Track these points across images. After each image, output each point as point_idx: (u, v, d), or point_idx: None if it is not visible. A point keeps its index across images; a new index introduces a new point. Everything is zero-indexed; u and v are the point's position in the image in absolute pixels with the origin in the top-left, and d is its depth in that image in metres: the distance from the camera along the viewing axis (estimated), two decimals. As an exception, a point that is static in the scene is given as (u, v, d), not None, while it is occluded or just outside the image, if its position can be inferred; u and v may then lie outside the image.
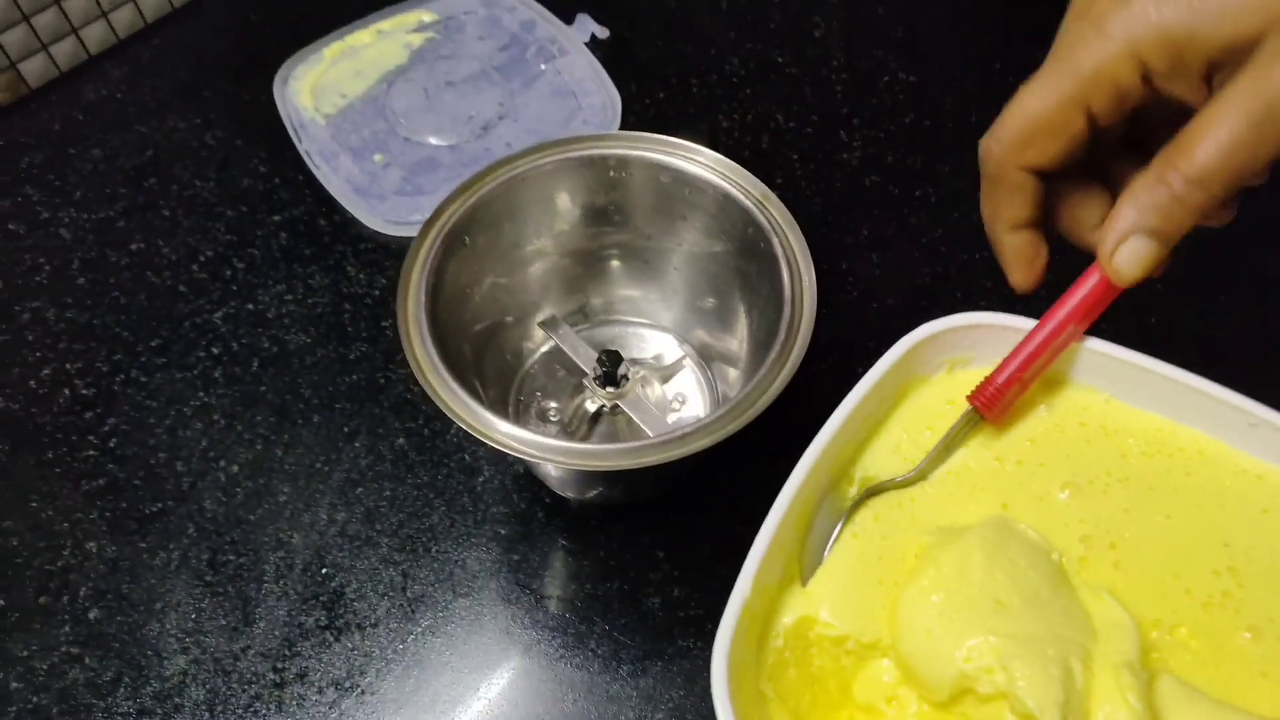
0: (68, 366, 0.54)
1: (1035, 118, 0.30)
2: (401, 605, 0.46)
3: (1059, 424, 0.36)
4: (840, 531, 0.34)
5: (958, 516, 0.34)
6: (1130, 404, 0.35)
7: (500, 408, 0.37)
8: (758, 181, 0.42)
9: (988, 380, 0.34)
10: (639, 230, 0.45)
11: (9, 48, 0.63)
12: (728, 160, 0.43)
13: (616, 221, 0.44)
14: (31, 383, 0.53)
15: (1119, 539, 0.33)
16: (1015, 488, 0.35)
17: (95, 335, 0.55)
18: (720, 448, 0.38)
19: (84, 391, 0.53)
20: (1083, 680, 0.29)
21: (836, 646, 0.32)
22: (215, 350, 0.54)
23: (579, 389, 0.48)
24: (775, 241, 0.40)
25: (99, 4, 0.66)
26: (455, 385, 0.38)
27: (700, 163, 0.42)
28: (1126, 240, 0.30)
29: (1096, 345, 0.35)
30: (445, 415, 0.38)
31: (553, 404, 0.49)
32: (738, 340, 0.46)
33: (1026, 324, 0.34)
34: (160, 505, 0.49)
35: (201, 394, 0.53)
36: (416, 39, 0.68)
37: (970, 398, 0.34)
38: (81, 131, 0.64)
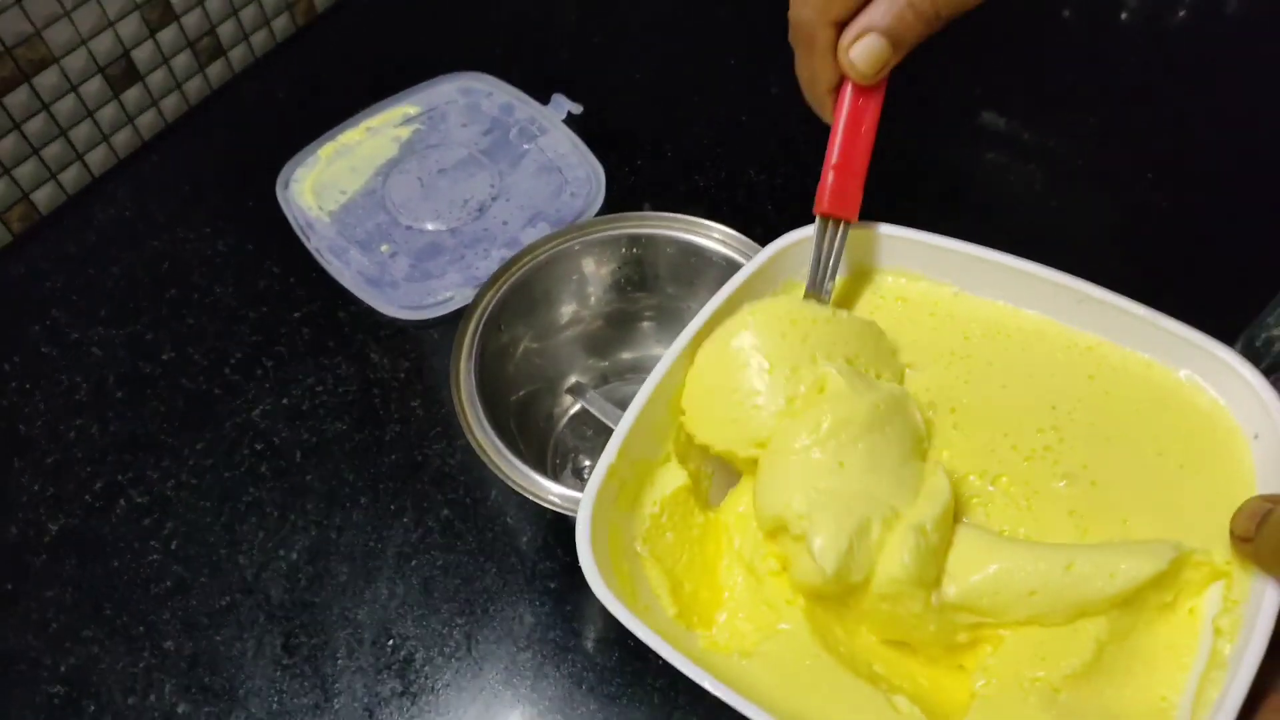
0: (119, 478, 0.57)
1: None
2: (469, 664, 0.50)
3: (911, 314, 0.40)
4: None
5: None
6: (975, 294, 0.40)
7: (541, 469, 0.41)
8: (756, 245, 0.48)
9: (819, 187, 0.37)
10: (663, 293, 0.50)
11: (21, 180, 0.66)
12: (729, 229, 0.48)
13: (636, 290, 0.49)
14: (87, 497, 0.56)
15: (958, 404, 0.38)
16: (866, 368, 0.38)
17: (141, 445, 0.58)
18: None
19: (139, 500, 0.56)
20: (877, 537, 0.32)
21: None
22: (258, 446, 0.58)
23: (609, 446, 0.53)
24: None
25: (100, 129, 0.70)
26: (514, 459, 0.42)
27: (705, 234, 0.48)
28: (862, 38, 0.34)
29: (944, 242, 0.39)
30: (488, 484, 0.42)
31: (586, 462, 0.53)
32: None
33: (887, 229, 0.39)
34: (229, 598, 0.52)
35: (252, 489, 0.56)
36: (404, 132, 0.73)
37: (815, 209, 0.38)
38: (97, 251, 0.67)
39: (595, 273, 0.50)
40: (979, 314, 0.40)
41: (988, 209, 0.69)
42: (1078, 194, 0.70)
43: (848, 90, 0.36)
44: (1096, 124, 0.75)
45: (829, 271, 0.38)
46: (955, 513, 0.34)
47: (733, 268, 0.47)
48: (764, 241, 0.48)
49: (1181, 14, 0.84)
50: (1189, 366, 0.36)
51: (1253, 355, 0.51)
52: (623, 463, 0.35)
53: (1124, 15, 0.84)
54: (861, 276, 0.41)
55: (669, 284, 0.50)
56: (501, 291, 0.46)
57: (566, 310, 0.50)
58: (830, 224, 0.38)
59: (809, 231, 0.39)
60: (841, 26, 0.34)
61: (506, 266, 0.47)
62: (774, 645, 0.34)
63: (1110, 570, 0.32)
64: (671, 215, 0.46)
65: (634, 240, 0.48)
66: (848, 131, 0.36)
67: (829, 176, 0.37)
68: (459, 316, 0.62)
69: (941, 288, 0.40)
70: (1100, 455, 0.36)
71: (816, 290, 0.39)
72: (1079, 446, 0.36)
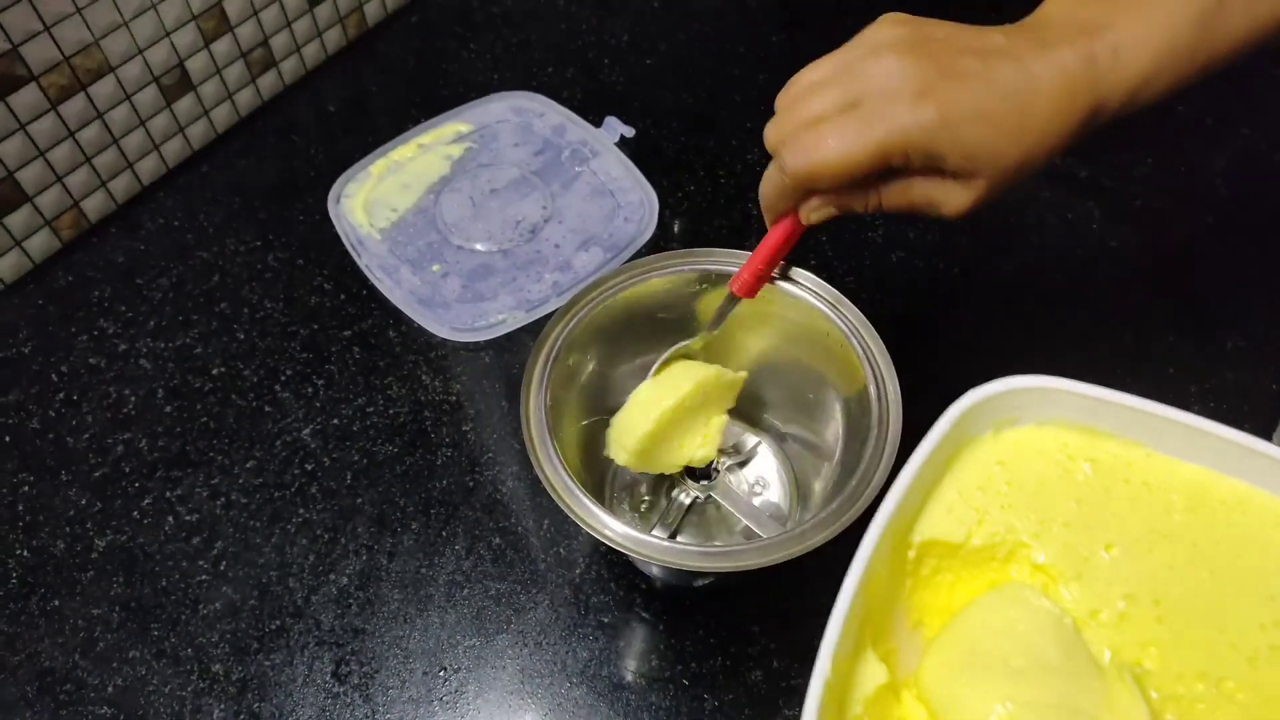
0: (168, 494, 0.56)
1: (855, 165, 0.38)
2: (522, 698, 0.49)
3: (1104, 483, 0.38)
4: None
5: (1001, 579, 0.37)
6: (1169, 456, 0.37)
7: (599, 500, 0.41)
8: (829, 286, 0.47)
9: (740, 273, 0.45)
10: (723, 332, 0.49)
11: (72, 188, 0.66)
12: (802, 269, 0.47)
13: (696, 328, 0.48)
14: (135, 513, 0.55)
15: (1163, 595, 0.35)
16: (1061, 549, 0.37)
17: (190, 461, 0.57)
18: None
19: (188, 518, 0.55)
20: None
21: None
22: (309, 466, 0.57)
23: (668, 482, 0.52)
24: (854, 342, 0.44)
25: (151, 139, 0.70)
26: (581, 495, 0.41)
27: (780, 274, 0.47)
28: (817, 207, 0.41)
29: (1135, 402, 0.37)
30: (542, 513, 0.42)
31: (646, 497, 0.53)
32: (820, 426, 0.50)
33: (1064, 384, 0.38)
34: (279, 622, 0.51)
35: (302, 510, 0.55)
36: (456, 150, 0.72)
37: (731, 284, 0.46)
38: (145, 261, 0.67)
39: (666, 308, 0.49)
40: (1177, 481, 0.37)
41: (1041, 245, 0.68)
42: (1131, 232, 0.69)
43: (788, 221, 0.44)
44: (1153, 163, 0.74)
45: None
46: None
47: (806, 310, 0.47)
48: (821, 274, 0.48)
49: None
50: None
51: None
52: (834, 678, 0.32)
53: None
54: (1046, 429, 0.39)
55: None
56: (572, 323, 0.45)
57: (634, 345, 0.49)
58: (730, 298, 0.47)
59: (982, 395, 0.39)
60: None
61: (578, 298, 0.46)
62: None
63: None
64: (747, 253, 0.46)
65: (705, 277, 0.47)
66: (778, 248, 0.45)
67: (760, 271, 0.45)
68: (510, 339, 0.62)
69: (1136, 450, 0.38)
70: None
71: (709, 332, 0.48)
72: None
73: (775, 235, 0.44)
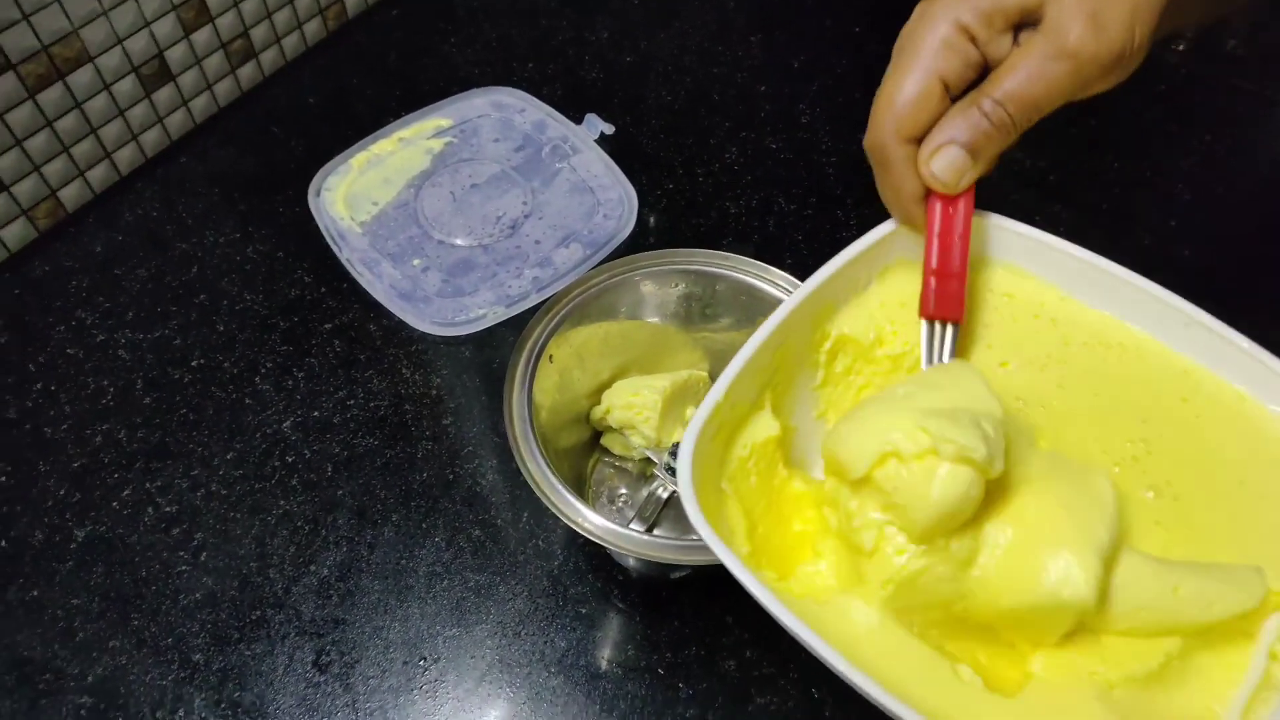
0: (148, 485, 0.56)
1: (905, 97, 0.35)
2: (501, 687, 0.50)
3: (1014, 312, 0.41)
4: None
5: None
6: (1083, 300, 0.40)
7: (580, 495, 0.42)
8: (795, 280, 0.48)
9: (923, 293, 0.38)
10: (715, 330, 0.51)
11: (50, 177, 0.66)
12: (783, 273, 0.49)
13: (690, 326, 0.50)
14: (114, 504, 0.56)
15: (1049, 404, 0.39)
16: (965, 358, 0.40)
17: (170, 453, 0.58)
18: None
19: (167, 509, 0.56)
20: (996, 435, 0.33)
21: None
22: (289, 458, 0.57)
23: (647, 476, 0.53)
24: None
25: (130, 128, 0.69)
26: (562, 489, 0.42)
27: (759, 276, 0.48)
28: (941, 150, 0.35)
29: (1058, 243, 0.39)
30: (521, 505, 0.43)
31: (622, 490, 0.54)
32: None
33: (1004, 222, 0.40)
34: (259, 613, 0.52)
35: (282, 502, 0.56)
36: (436, 144, 0.73)
37: (921, 314, 0.38)
38: (124, 252, 0.67)
39: (648, 305, 0.50)
40: (1083, 321, 0.40)
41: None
42: (1097, 234, 0.71)
43: (936, 199, 0.37)
44: (1118, 168, 0.76)
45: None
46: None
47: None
48: (796, 273, 0.49)
49: (1181, 48, 0.86)
50: (1249, 382, 0.37)
51: None
52: (726, 403, 0.36)
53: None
54: (971, 266, 0.41)
55: (722, 320, 0.51)
56: (555, 320, 0.46)
57: (616, 342, 0.50)
58: (937, 325, 0.39)
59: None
60: (917, 142, 0.36)
61: (561, 295, 0.47)
62: (848, 600, 0.35)
63: (1208, 600, 0.33)
64: (728, 255, 0.47)
65: (685, 275, 0.48)
66: (943, 237, 0.37)
67: (931, 282, 0.38)
68: (490, 334, 0.62)
69: (1049, 289, 0.40)
70: (1185, 474, 0.37)
71: None
72: (1165, 462, 0.37)
73: (941, 216, 0.37)
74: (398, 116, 0.74)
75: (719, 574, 0.54)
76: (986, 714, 0.32)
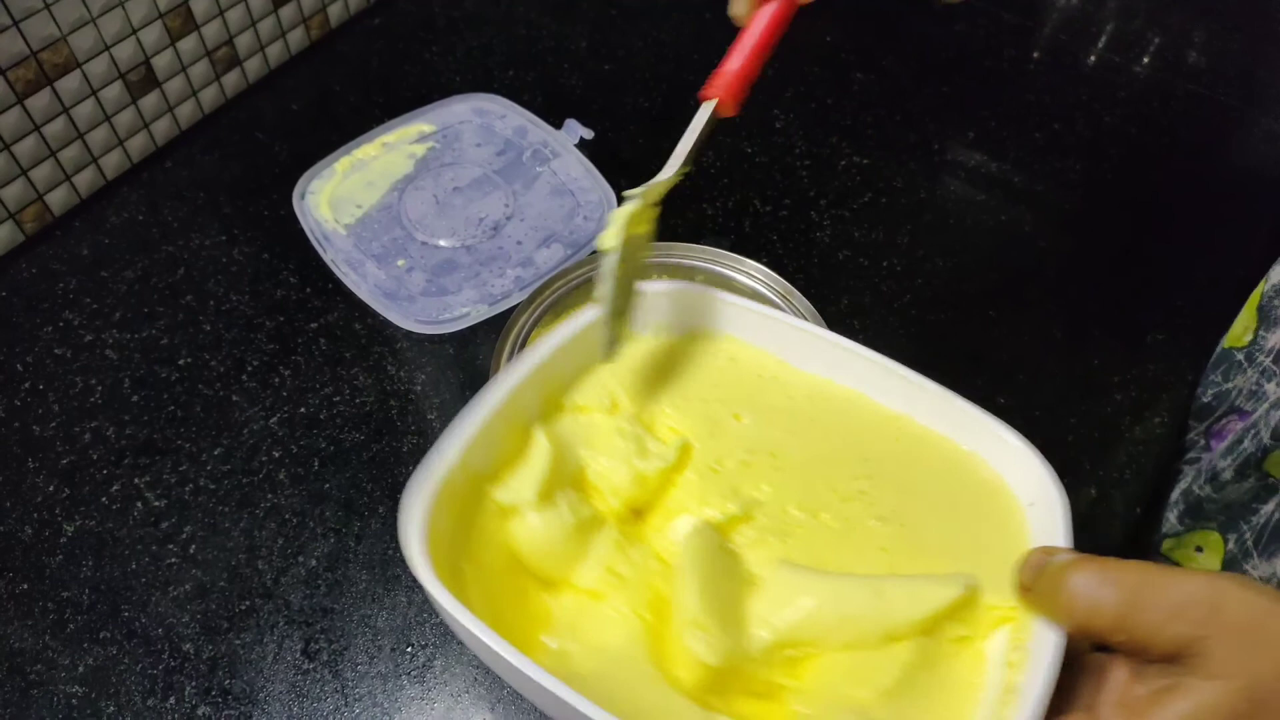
0: (136, 481, 0.57)
1: None
2: (488, 671, 0.51)
3: (739, 372, 0.45)
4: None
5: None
6: (796, 365, 0.45)
7: None
8: (779, 278, 0.50)
9: (716, 73, 0.40)
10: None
11: (37, 181, 0.67)
12: (759, 264, 0.50)
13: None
14: (103, 499, 0.56)
15: (779, 450, 0.42)
16: (698, 417, 0.43)
17: (158, 449, 0.59)
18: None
19: (156, 503, 0.56)
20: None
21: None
22: (276, 453, 0.59)
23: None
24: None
25: (116, 134, 0.71)
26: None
27: (735, 268, 0.50)
28: None
29: (772, 313, 0.44)
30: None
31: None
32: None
33: (712, 293, 0.44)
34: (248, 603, 0.53)
35: (270, 495, 0.57)
36: (419, 149, 0.74)
37: (706, 92, 0.41)
38: (110, 255, 0.68)
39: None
40: (801, 380, 0.44)
41: (978, 245, 0.72)
42: (1060, 235, 0.74)
43: (766, 10, 0.40)
44: (1081, 170, 0.79)
45: (697, 150, 0.44)
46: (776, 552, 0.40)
47: (760, 301, 0.50)
48: (752, 258, 0.51)
49: (1146, 60, 0.89)
50: (974, 440, 0.41)
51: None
52: (460, 472, 0.38)
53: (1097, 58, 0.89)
54: (697, 337, 0.46)
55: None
56: (536, 314, 0.48)
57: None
58: (713, 118, 0.42)
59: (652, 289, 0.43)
60: None
61: (541, 289, 0.48)
62: (606, 644, 0.37)
63: (915, 596, 0.36)
64: (705, 248, 0.48)
65: (664, 268, 0.50)
66: (760, 43, 0.40)
67: (736, 78, 0.40)
68: (473, 332, 0.64)
69: (768, 356, 0.45)
70: (907, 504, 0.41)
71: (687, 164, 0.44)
72: (889, 493, 0.41)
73: (773, 15, 0.39)
74: (380, 123, 0.75)
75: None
76: None
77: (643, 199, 0.41)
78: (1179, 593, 0.30)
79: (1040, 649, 0.33)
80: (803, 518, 0.40)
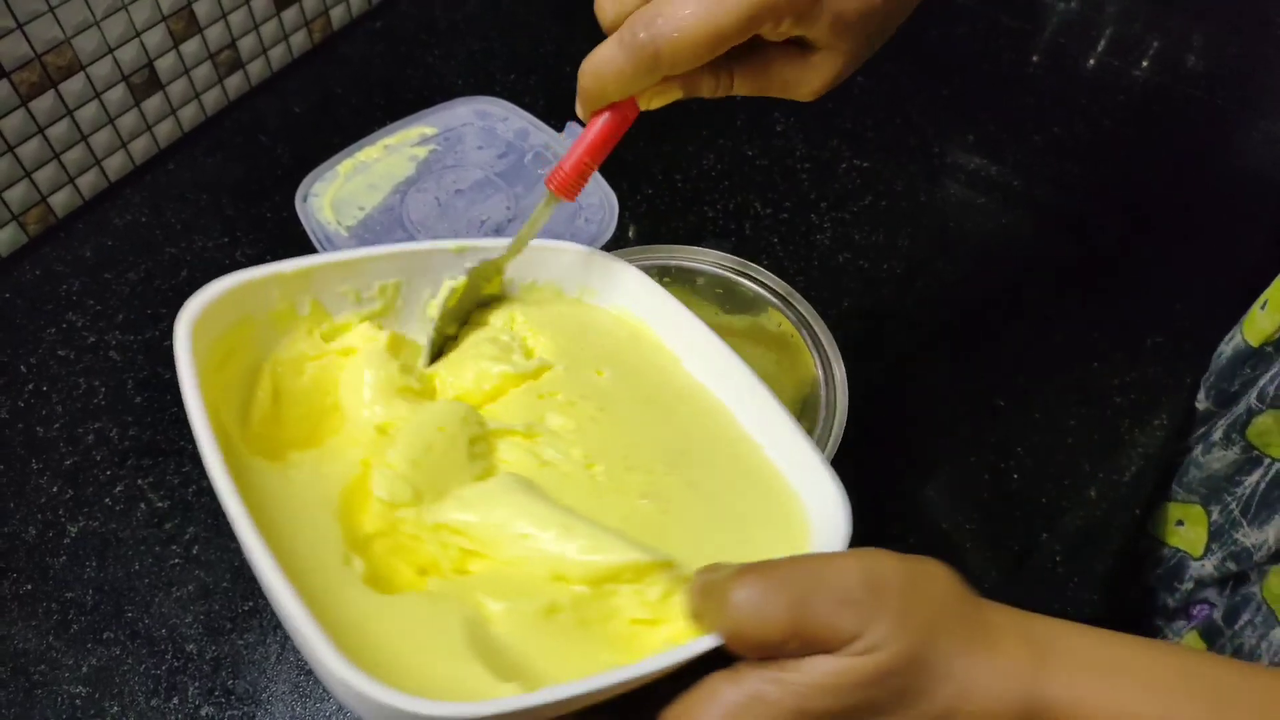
0: (140, 482, 0.57)
1: (720, 36, 0.34)
2: (489, 673, 0.51)
3: (632, 353, 0.45)
4: None
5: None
6: (686, 366, 0.44)
7: None
8: (781, 281, 0.50)
9: (559, 168, 0.41)
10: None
11: (41, 183, 0.67)
12: (761, 269, 0.51)
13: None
14: (107, 500, 0.57)
15: (609, 408, 0.41)
16: (568, 357, 0.43)
17: (161, 450, 0.59)
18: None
19: (159, 504, 0.57)
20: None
21: None
22: (279, 455, 0.59)
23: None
24: (804, 332, 0.48)
25: (120, 136, 0.71)
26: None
27: (736, 269, 0.50)
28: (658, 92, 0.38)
29: (691, 317, 0.44)
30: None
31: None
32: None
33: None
34: (251, 603, 0.53)
35: (273, 497, 0.57)
36: (421, 151, 0.75)
37: (548, 182, 0.42)
38: (113, 257, 0.68)
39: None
40: (681, 381, 0.44)
41: (978, 248, 0.73)
42: (1060, 238, 0.74)
43: (601, 116, 0.40)
44: (1080, 174, 0.79)
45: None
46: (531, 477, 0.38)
47: (758, 300, 0.50)
48: (752, 260, 0.51)
49: (1145, 64, 0.90)
50: (802, 485, 0.39)
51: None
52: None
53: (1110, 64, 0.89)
54: (622, 311, 0.46)
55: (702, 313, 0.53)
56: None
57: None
58: (550, 198, 0.42)
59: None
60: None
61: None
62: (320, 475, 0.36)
63: (594, 545, 0.34)
64: (708, 250, 0.49)
65: (664, 270, 0.50)
66: (606, 140, 0.41)
67: (572, 169, 0.41)
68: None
69: (666, 352, 0.45)
70: (688, 502, 0.39)
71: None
72: (677, 488, 0.39)
73: (604, 126, 0.40)
74: (383, 125, 0.76)
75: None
76: (344, 599, 0.31)
77: (468, 276, 0.43)
78: (839, 586, 0.29)
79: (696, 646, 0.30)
80: (578, 459, 0.39)
